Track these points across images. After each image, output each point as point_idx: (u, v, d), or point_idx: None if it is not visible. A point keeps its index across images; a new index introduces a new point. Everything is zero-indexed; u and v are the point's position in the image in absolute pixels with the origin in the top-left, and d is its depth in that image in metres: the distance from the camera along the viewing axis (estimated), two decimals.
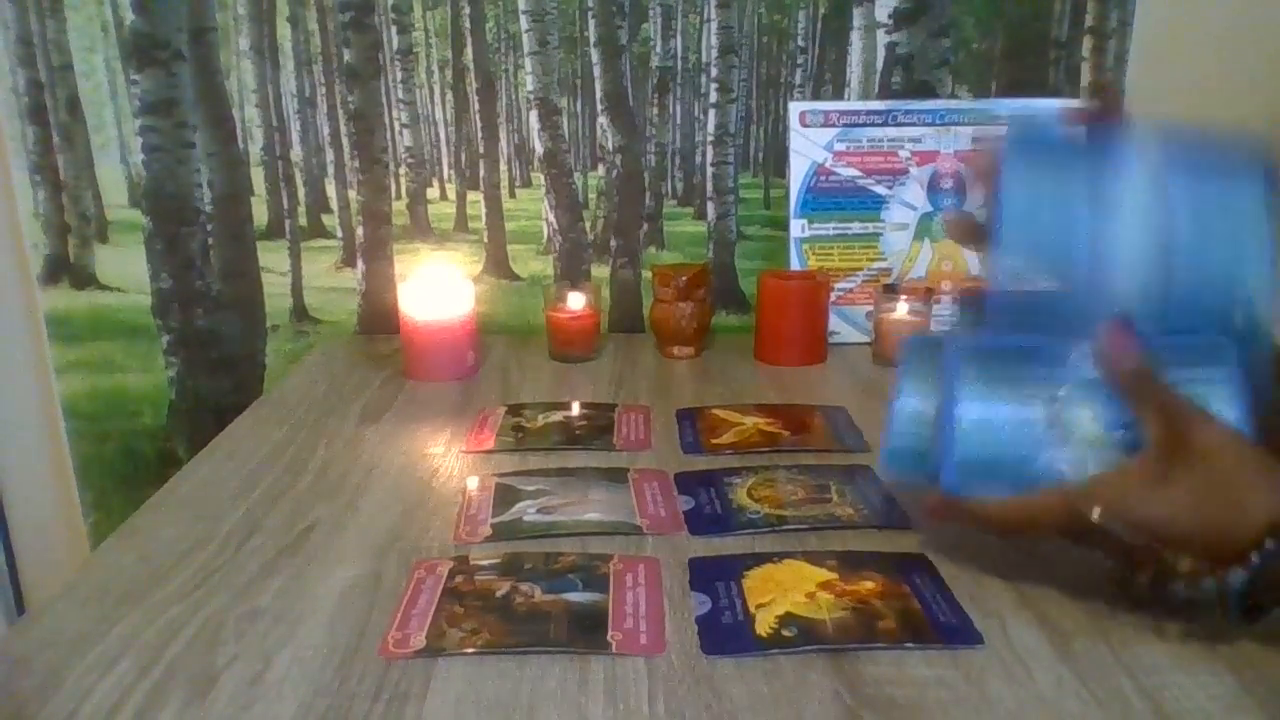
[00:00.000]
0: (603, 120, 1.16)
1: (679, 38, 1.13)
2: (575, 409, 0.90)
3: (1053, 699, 0.47)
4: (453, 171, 1.18)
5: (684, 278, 1.04)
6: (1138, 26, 1.12)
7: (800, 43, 1.14)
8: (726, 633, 0.53)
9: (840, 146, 1.10)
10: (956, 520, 0.57)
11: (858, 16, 1.12)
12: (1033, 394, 0.55)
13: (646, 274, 1.18)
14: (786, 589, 0.57)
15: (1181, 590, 0.50)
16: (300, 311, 1.19)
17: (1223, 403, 0.52)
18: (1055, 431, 0.55)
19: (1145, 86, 1.13)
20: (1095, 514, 0.50)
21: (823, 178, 1.10)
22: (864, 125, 1.10)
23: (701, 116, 1.16)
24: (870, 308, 1.10)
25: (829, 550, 0.62)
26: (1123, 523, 0.50)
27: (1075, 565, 0.60)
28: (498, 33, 1.13)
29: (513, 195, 1.18)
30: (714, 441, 0.82)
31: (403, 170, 1.17)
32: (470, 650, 0.51)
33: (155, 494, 0.73)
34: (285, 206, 1.17)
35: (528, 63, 1.14)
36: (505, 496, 0.71)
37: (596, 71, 1.14)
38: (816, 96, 1.15)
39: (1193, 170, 0.55)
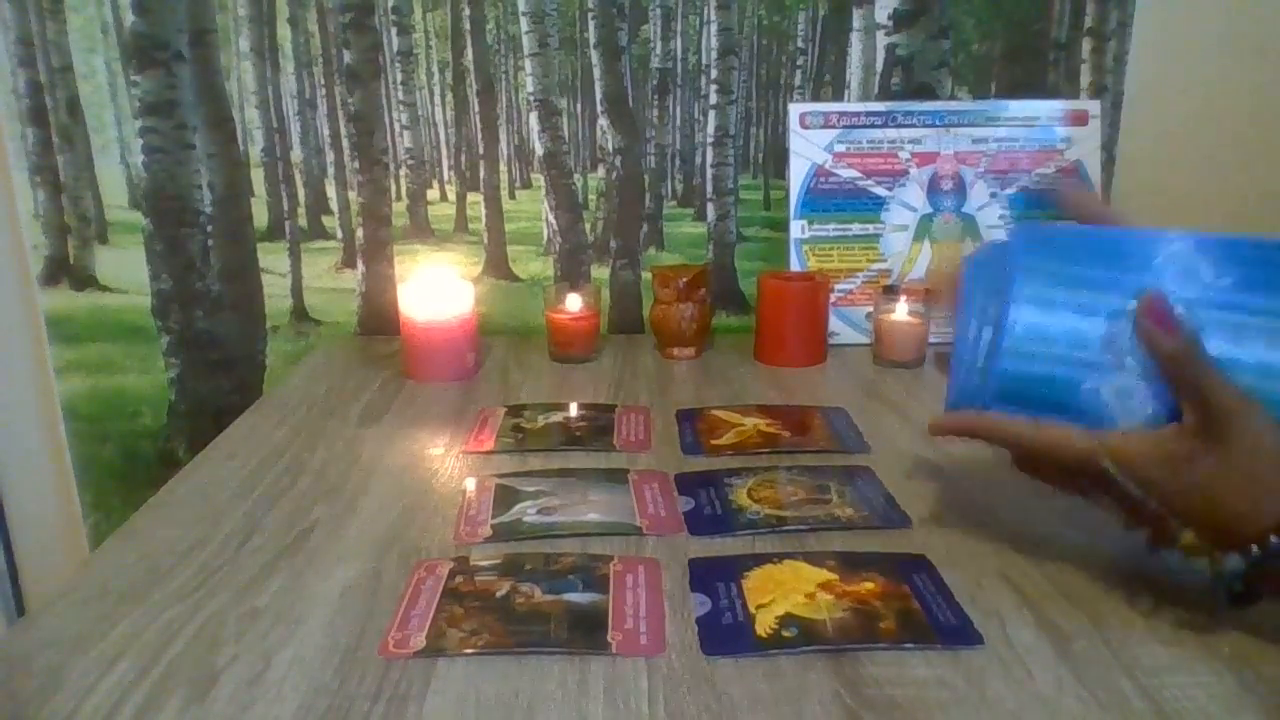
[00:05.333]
0: (603, 122, 1.16)
1: (679, 39, 1.14)
2: (575, 410, 0.90)
3: (1053, 699, 0.47)
4: (453, 173, 1.18)
5: (684, 279, 1.04)
6: (1138, 27, 1.12)
7: (800, 44, 1.14)
8: (727, 633, 0.53)
9: (840, 148, 1.10)
10: (976, 432, 0.57)
11: (857, 18, 1.13)
12: (1097, 303, 0.52)
13: (646, 275, 1.18)
14: (786, 590, 0.57)
15: (1176, 560, 0.50)
16: (300, 312, 1.19)
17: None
18: (1110, 354, 0.52)
19: (1145, 87, 1.13)
20: (1110, 467, 0.50)
21: (822, 179, 1.10)
22: (864, 127, 1.10)
23: (701, 118, 1.16)
24: (870, 309, 1.10)
25: (829, 551, 0.62)
26: (1137, 483, 0.50)
27: (1075, 565, 0.60)
28: (498, 34, 1.13)
29: (513, 196, 1.18)
30: (714, 442, 0.82)
31: (403, 171, 1.17)
32: (470, 651, 0.51)
33: (155, 495, 0.73)
34: (285, 208, 1.17)
35: (528, 64, 1.14)
36: (505, 497, 0.71)
37: (596, 73, 1.14)
38: (816, 98, 1.15)
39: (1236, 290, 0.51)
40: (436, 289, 0.98)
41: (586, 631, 0.53)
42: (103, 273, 1.16)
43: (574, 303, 1.05)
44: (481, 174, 1.18)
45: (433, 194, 1.18)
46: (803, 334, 1.05)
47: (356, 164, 1.16)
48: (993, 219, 1.11)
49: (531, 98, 1.15)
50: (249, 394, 1.18)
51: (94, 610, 0.56)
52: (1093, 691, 0.48)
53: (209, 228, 1.15)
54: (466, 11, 1.12)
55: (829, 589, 0.57)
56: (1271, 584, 0.48)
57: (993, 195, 1.10)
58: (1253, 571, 0.48)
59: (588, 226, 1.19)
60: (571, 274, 1.19)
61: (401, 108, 1.15)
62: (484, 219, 1.19)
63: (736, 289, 1.20)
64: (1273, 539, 0.47)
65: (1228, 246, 0.51)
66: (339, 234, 1.18)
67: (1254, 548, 0.47)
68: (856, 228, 1.11)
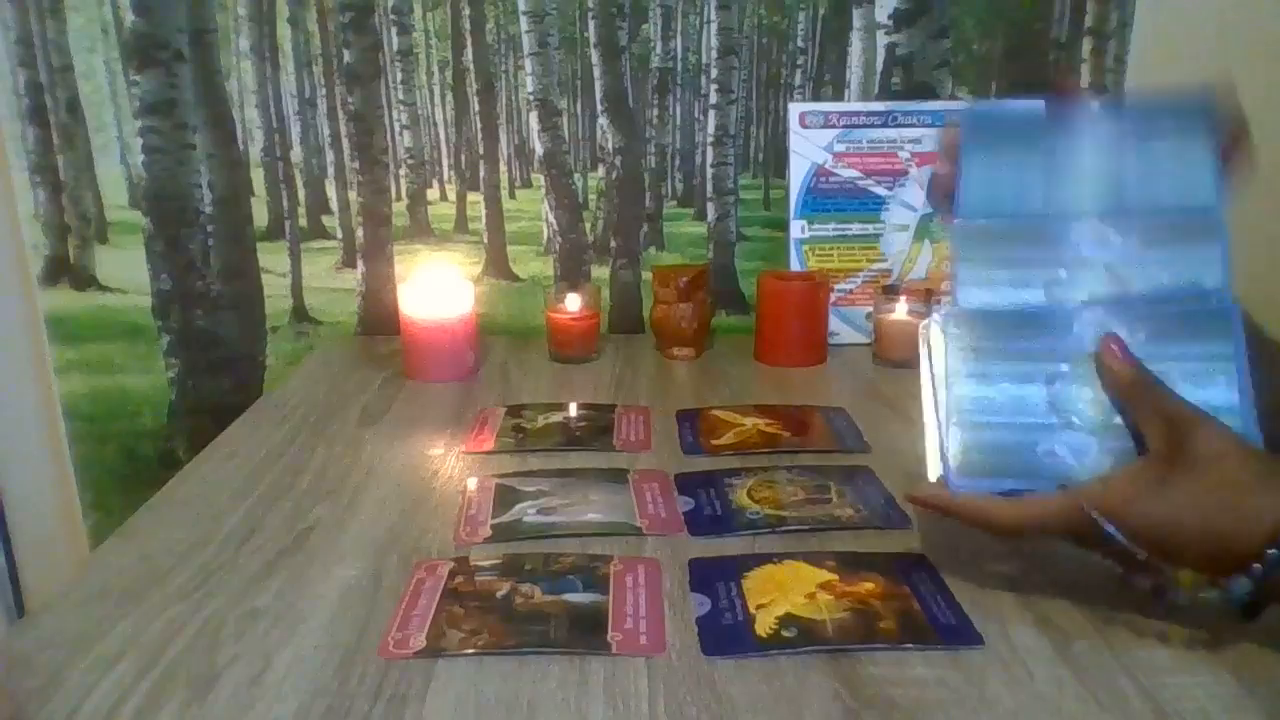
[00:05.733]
0: (603, 121, 1.16)
1: (679, 39, 1.14)
2: (575, 410, 0.90)
3: (1053, 699, 0.47)
4: (453, 172, 1.18)
5: (684, 279, 1.04)
6: (1138, 27, 1.12)
7: (800, 44, 1.14)
8: (726, 633, 0.53)
9: (840, 147, 1.10)
10: (952, 514, 0.56)
11: (857, 17, 1.13)
12: (1033, 371, 0.55)
13: (646, 275, 1.18)
14: (786, 590, 0.57)
15: (1183, 598, 0.49)
16: (300, 312, 1.19)
17: (1221, 382, 0.52)
18: (1056, 415, 0.55)
19: (1145, 87, 1.13)
20: (1094, 515, 0.50)
21: (823, 179, 1.10)
22: (864, 126, 1.10)
23: (701, 117, 1.16)
24: (870, 309, 1.10)
25: (829, 551, 0.62)
26: (1124, 529, 0.49)
27: (1075, 566, 0.60)
28: (498, 34, 1.13)
29: (513, 196, 1.18)
30: (714, 442, 0.82)
31: (403, 171, 1.17)
32: (470, 651, 0.51)
33: (155, 494, 0.73)
34: (285, 207, 1.17)
35: (528, 64, 1.14)
36: (505, 497, 0.71)
37: (596, 72, 1.14)
38: (816, 97, 1.15)
39: (1143, 133, 0.57)
40: (436, 289, 0.98)
41: (586, 632, 0.53)
42: (103, 273, 1.16)
43: (574, 303, 1.05)
44: (481, 174, 1.18)
45: (433, 194, 1.18)
46: (803, 334, 1.05)
47: (356, 164, 1.16)
48: None
49: (531, 97, 1.15)
50: (249, 394, 1.18)
51: (94, 610, 0.56)
52: (1093, 691, 0.48)
53: (209, 227, 1.15)
54: (466, 11, 1.12)
55: (829, 589, 0.57)
56: (1278, 592, 0.48)
57: None
58: (1261, 588, 0.47)
59: (588, 226, 1.19)
60: (571, 274, 1.19)
61: (401, 107, 1.15)
62: (484, 219, 1.19)
63: (737, 289, 1.20)
64: (1270, 552, 0.46)
65: (1129, 309, 0.55)
66: (339, 234, 1.18)
67: (1256, 566, 0.46)
68: (856, 227, 1.11)
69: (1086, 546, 0.54)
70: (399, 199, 1.17)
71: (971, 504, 0.55)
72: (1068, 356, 0.55)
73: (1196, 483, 0.49)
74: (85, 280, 1.16)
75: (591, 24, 1.12)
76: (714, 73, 1.15)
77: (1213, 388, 0.52)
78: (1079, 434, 0.54)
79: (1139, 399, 0.52)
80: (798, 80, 1.16)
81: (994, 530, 0.55)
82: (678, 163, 1.18)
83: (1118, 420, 0.54)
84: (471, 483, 0.74)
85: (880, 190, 1.11)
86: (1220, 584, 0.48)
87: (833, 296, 1.09)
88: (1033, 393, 0.55)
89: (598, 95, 1.15)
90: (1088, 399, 0.54)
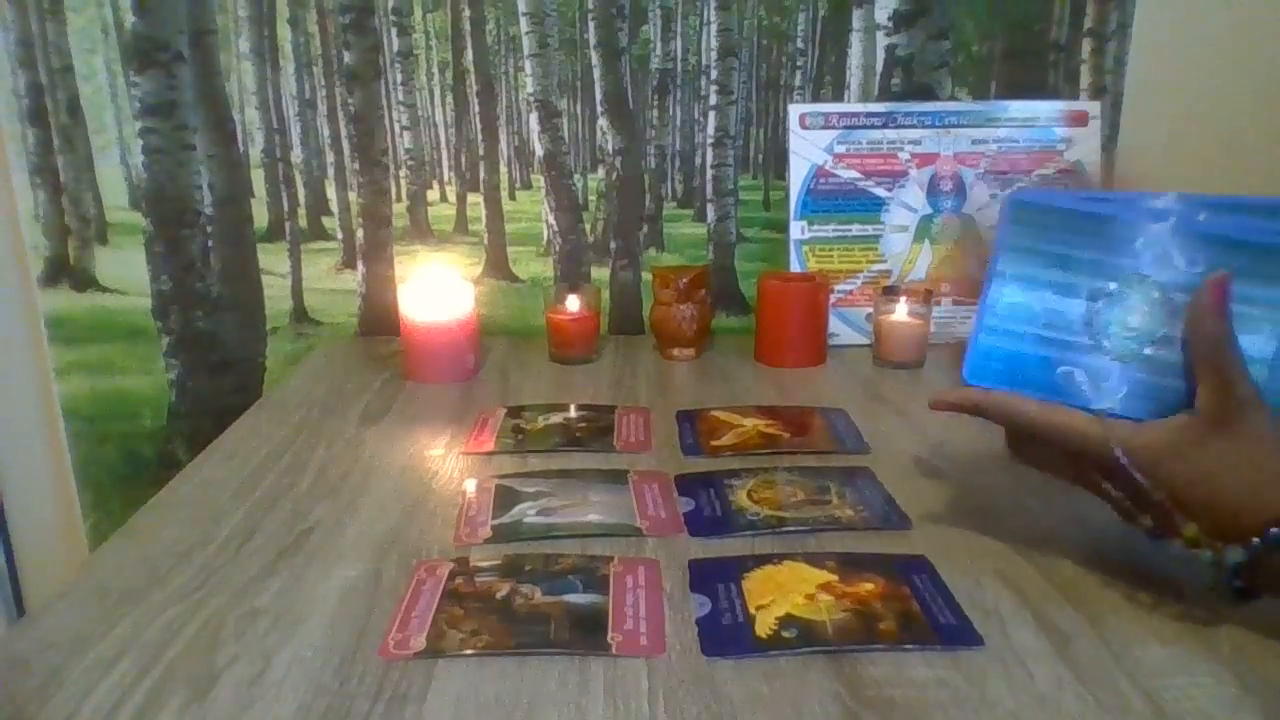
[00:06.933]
0: (603, 122, 1.16)
1: (679, 40, 1.14)
2: (575, 411, 0.90)
3: (1053, 699, 0.47)
4: (453, 173, 1.18)
5: (684, 279, 1.04)
6: (1137, 28, 1.12)
7: (800, 45, 1.14)
8: (726, 634, 0.53)
9: (840, 148, 1.10)
10: (980, 408, 0.57)
11: (857, 18, 1.13)
12: (1078, 283, 0.55)
13: (646, 276, 1.18)
14: (786, 590, 0.57)
15: (1178, 550, 0.51)
16: (300, 313, 1.19)
17: (1266, 330, 0.51)
18: (1087, 335, 0.54)
19: (1145, 88, 1.13)
20: (1119, 453, 0.51)
21: (822, 180, 1.10)
22: (864, 127, 1.10)
23: (701, 118, 1.17)
24: (870, 310, 1.10)
25: (829, 552, 0.62)
26: (1145, 472, 0.51)
27: (1075, 565, 0.60)
28: (498, 35, 1.13)
29: (513, 197, 1.18)
30: (714, 443, 0.82)
31: (403, 172, 1.17)
32: (470, 652, 0.51)
33: (155, 495, 0.73)
34: (285, 208, 1.17)
35: (528, 65, 1.14)
36: (505, 498, 0.71)
37: (596, 74, 1.14)
38: (816, 98, 1.15)
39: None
40: (437, 290, 0.99)
41: (586, 632, 0.53)
42: (103, 274, 1.16)
43: (574, 303, 1.05)
44: (481, 175, 1.18)
45: (433, 195, 1.18)
46: (803, 335, 1.05)
47: (356, 165, 1.16)
48: (992, 220, 1.11)
49: (531, 98, 1.15)
50: (249, 395, 1.18)
51: (94, 610, 0.56)
52: (1093, 691, 0.48)
53: (209, 229, 1.15)
54: (466, 12, 1.12)
55: (829, 590, 0.57)
56: (1271, 578, 0.49)
57: (993, 196, 1.10)
58: (1253, 563, 0.48)
59: (588, 227, 1.19)
60: (571, 275, 1.19)
61: (401, 108, 1.15)
62: (484, 220, 1.19)
63: (736, 290, 1.20)
64: (1272, 530, 0.47)
65: (1201, 237, 0.53)
66: (339, 235, 1.18)
67: (1255, 540, 0.48)
68: (856, 228, 1.11)
69: (1088, 479, 0.56)
70: (399, 200, 1.18)
71: (999, 398, 0.56)
72: (1118, 275, 0.54)
73: (1228, 453, 0.50)
74: (85, 281, 1.16)
75: (591, 25, 1.12)
76: (714, 74, 1.15)
77: (1256, 335, 0.51)
78: (1104, 359, 0.54)
79: (1211, 354, 0.51)
80: (797, 81, 1.16)
81: (1018, 425, 0.56)
82: (678, 164, 1.18)
83: (1147, 351, 0.53)
84: (471, 483, 0.74)
85: (880, 191, 1.11)
86: (1217, 548, 0.50)
87: (833, 297, 1.09)
88: (1072, 307, 0.55)
89: (598, 96, 1.15)
90: (1124, 323, 0.54)
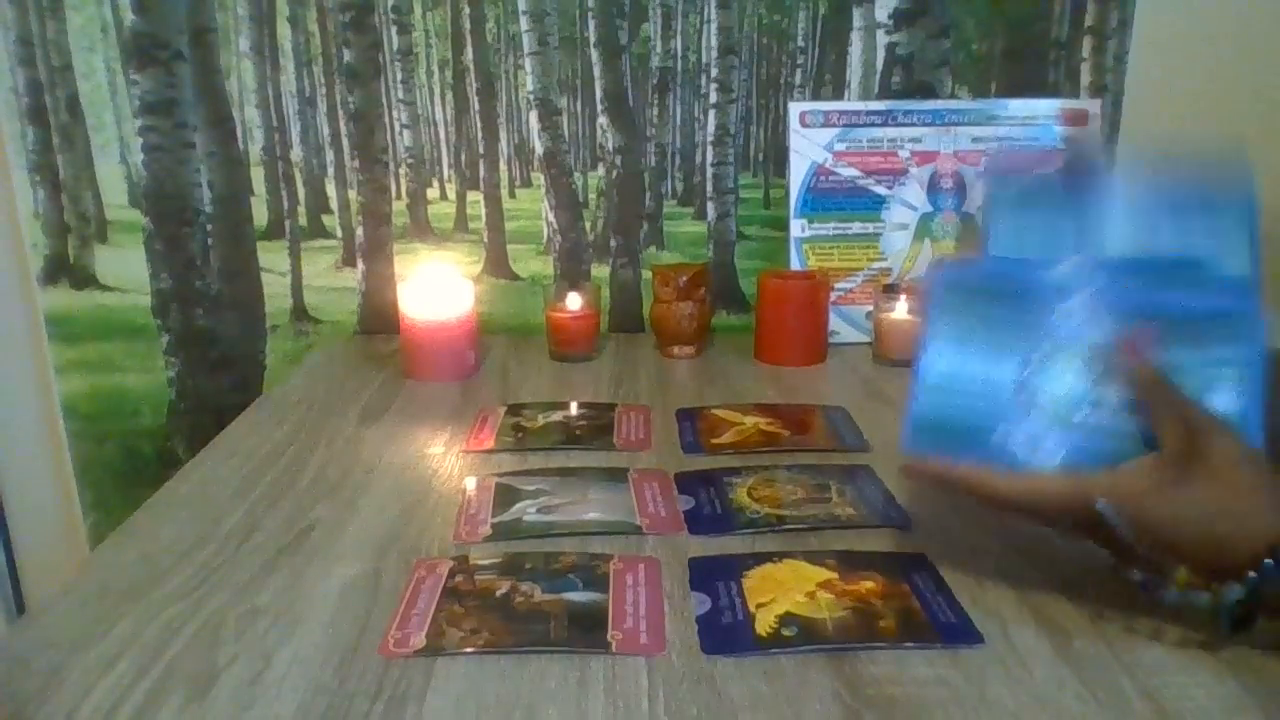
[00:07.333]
0: (602, 120, 1.16)
1: (679, 38, 1.14)
2: (575, 409, 0.90)
3: (1053, 699, 0.47)
4: (453, 171, 1.18)
5: (684, 277, 1.04)
6: (1138, 26, 1.12)
7: (800, 43, 1.14)
8: (726, 632, 0.53)
9: (840, 146, 1.10)
10: (947, 483, 0.56)
11: (857, 17, 1.12)
12: (1009, 348, 0.55)
13: (646, 274, 1.18)
14: (786, 589, 0.57)
15: (1174, 597, 0.50)
16: (300, 311, 1.19)
17: (1234, 388, 0.52)
18: (1020, 400, 0.54)
19: (1145, 87, 1.13)
20: (1099, 503, 0.50)
21: (823, 178, 1.10)
22: (864, 125, 1.10)
23: (701, 117, 1.16)
24: (870, 308, 1.10)
25: (829, 550, 0.62)
26: (1126, 521, 0.50)
27: (1075, 565, 0.60)
28: (498, 33, 1.13)
29: (513, 195, 1.18)
30: (714, 441, 0.82)
31: (403, 170, 1.17)
32: (470, 650, 0.51)
33: (155, 494, 0.73)
34: (285, 206, 1.17)
35: (528, 63, 1.14)
36: (505, 496, 0.71)
37: (596, 72, 1.14)
38: (816, 97, 1.15)
39: (1176, 206, 0.56)
40: (436, 288, 0.98)
41: (586, 630, 0.53)
42: (103, 272, 1.16)
43: (574, 301, 1.05)
44: (481, 173, 1.18)
45: (433, 193, 1.18)
46: (803, 333, 1.05)
47: (356, 163, 1.16)
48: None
49: (531, 96, 1.15)
50: (249, 393, 1.18)
51: (94, 610, 0.56)
52: (1093, 691, 0.48)
53: (209, 227, 1.15)
54: (466, 10, 1.12)
55: (829, 588, 0.57)
56: (1269, 607, 0.48)
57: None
58: (1252, 597, 0.47)
59: (588, 225, 1.19)
60: (571, 273, 1.19)
61: (401, 106, 1.15)
62: (484, 218, 1.19)
63: (736, 288, 1.20)
64: (1266, 562, 0.46)
65: (1124, 303, 0.54)
66: (339, 233, 1.18)
67: (1251, 574, 0.47)
68: (857, 226, 1.11)
69: (1075, 534, 0.54)
70: (399, 198, 1.17)
71: (971, 473, 0.54)
72: (1047, 339, 0.55)
73: (1207, 488, 0.49)
74: (85, 279, 1.16)
75: (591, 23, 1.12)
76: (714, 72, 1.15)
77: (1219, 394, 0.52)
78: (1039, 423, 0.54)
79: (1157, 399, 0.52)
80: (798, 79, 1.16)
81: (993, 502, 0.54)
82: (678, 162, 1.18)
83: (1082, 413, 0.53)
84: (471, 482, 0.74)
85: (880, 189, 1.11)
86: (1213, 588, 0.48)
87: (833, 295, 1.09)
88: (1005, 372, 0.55)
89: (598, 94, 1.15)
90: (1058, 387, 0.54)
